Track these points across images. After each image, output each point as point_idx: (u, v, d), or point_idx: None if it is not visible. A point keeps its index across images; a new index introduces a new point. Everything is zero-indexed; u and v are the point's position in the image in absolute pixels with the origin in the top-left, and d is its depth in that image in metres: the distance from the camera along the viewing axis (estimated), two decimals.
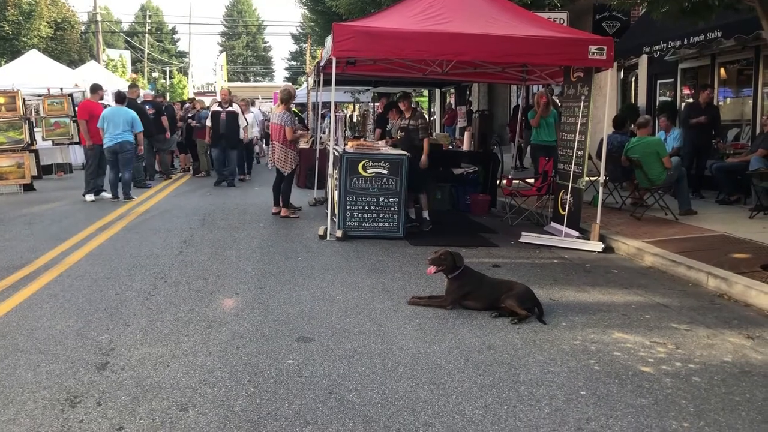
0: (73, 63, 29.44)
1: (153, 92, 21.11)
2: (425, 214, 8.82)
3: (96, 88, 12.46)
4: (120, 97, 12.07)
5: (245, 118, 14.55)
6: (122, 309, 5.19)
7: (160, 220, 9.44)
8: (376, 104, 21.15)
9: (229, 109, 13.94)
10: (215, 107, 14.24)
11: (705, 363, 4.23)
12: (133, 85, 15.09)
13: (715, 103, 11.70)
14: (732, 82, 12.27)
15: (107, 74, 25.23)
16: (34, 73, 17.55)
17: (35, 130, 15.39)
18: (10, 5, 28.83)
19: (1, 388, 3.69)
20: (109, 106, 12.63)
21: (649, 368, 4.12)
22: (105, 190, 11.90)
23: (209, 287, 5.86)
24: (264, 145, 18.18)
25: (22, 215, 9.98)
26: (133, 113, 11.80)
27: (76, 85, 17.24)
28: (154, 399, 3.57)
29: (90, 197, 11.57)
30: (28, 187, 13.13)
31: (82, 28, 38.53)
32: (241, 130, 14.19)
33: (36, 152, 14.55)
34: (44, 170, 15.61)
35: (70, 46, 32.83)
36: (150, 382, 3.79)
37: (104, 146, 11.45)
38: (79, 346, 4.36)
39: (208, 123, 14.07)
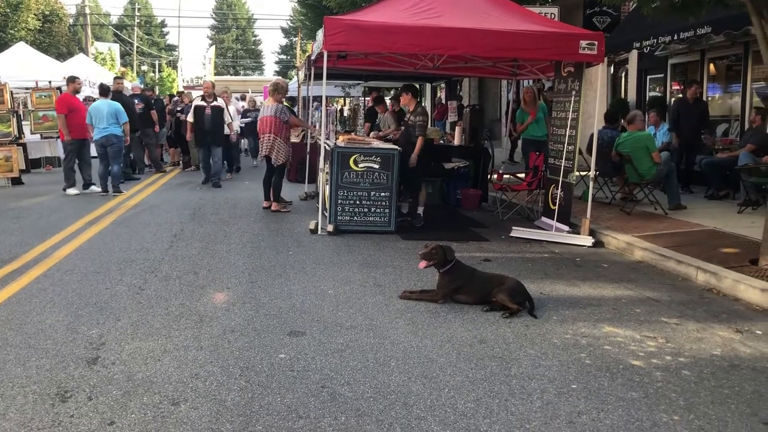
0: (62, 56, 29.20)
1: (142, 85, 20.93)
2: (420, 210, 8.82)
3: (70, 80, 12.29)
4: (103, 90, 12.00)
5: (230, 113, 13.69)
6: (112, 303, 5.17)
7: (150, 214, 9.40)
8: (366, 98, 21.13)
9: (214, 103, 12.87)
10: (198, 101, 13.10)
11: (695, 357, 4.27)
12: (119, 77, 14.79)
13: (704, 98, 11.76)
14: (721, 78, 12.33)
15: (96, 67, 25.01)
16: (22, 66, 17.41)
17: (23, 123, 15.28)
18: None
19: None
20: (92, 99, 12.58)
21: (640, 362, 4.15)
22: (94, 184, 11.84)
23: (200, 281, 5.84)
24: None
25: (10, 209, 9.90)
26: (117, 105, 11.77)
27: (64, 78, 17.08)
28: (146, 393, 3.56)
29: (73, 191, 11.49)
30: (16, 181, 13.05)
31: (71, 20, 38.24)
32: (226, 126, 13.30)
33: (24, 146, 14.45)
34: (32, 164, 15.52)
35: (58, 38, 32.58)
36: (141, 376, 3.78)
37: (93, 140, 11.57)
38: (69, 341, 4.33)
39: (190, 118, 12.93)
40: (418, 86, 28.05)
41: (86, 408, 3.39)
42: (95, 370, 3.85)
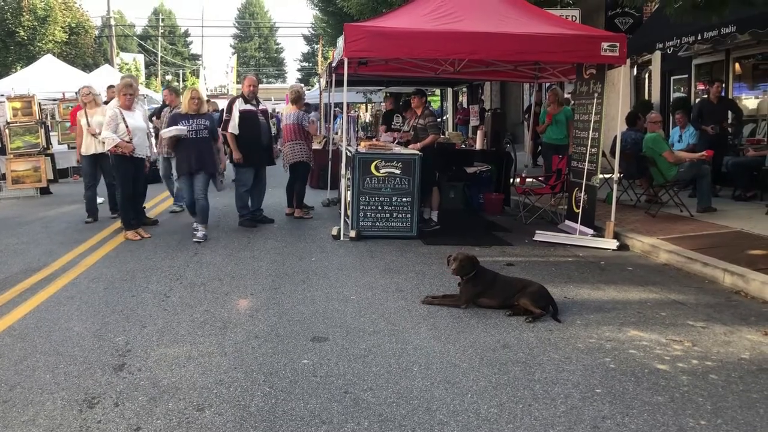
0: (88, 67, 29.71)
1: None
2: (432, 215, 8.81)
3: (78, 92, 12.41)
4: None
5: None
6: (138, 310, 5.24)
7: (174, 222, 9.50)
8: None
9: (263, 106, 9.47)
10: (242, 104, 8.91)
11: (722, 360, 4.20)
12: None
13: (729, 97, 11.57)
14: (747, 77, 12.16)
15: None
16: (50, 78, 17.77)
17: (51, 134, 15.54)
18: (26, 11, 29.16)
19: (21, 390, 3.74)
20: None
21: (666, 366, 4.10)
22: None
23: (224, 288, 5.90)
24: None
25: (39, 218, 10.08)
26: None
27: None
28: (171, 399, 3.60)
29: (99, 199, 11.62)
30: (45, 191, 13.27)
31: (96, 32, 38.84)
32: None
33: (52, 156, 14.67)
34: (60, 174, 15.76)
35: (84, 50, 33.12)
36: (166, 382, 3.82)
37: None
38: (96, 348, 4.40)
39: (234, 130, 8.79)
40: (439, 91, 27.89)
41: (113, 414, 3.44)
42: (122, 377, 3.91)
